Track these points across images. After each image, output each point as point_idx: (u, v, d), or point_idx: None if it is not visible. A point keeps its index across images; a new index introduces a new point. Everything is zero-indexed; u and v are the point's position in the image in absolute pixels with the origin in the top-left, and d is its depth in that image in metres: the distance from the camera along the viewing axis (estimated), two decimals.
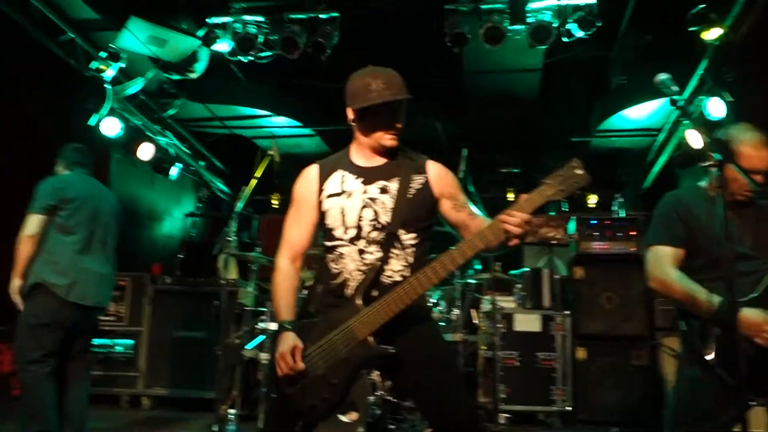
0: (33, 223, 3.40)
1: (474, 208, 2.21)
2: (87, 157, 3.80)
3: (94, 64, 5.43)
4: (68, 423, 3.41)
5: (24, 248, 3.37)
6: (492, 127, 7.46)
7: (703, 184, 2.46)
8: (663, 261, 2.35)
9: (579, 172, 1.86)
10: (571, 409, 5.06)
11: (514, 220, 1.84)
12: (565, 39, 5.04)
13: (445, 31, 5.01)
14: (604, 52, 6.26)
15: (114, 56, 5.39)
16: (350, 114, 2.18)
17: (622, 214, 6.03)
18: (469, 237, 1.96)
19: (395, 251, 2.08)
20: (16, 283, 3.36)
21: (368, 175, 2.17)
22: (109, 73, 5.48)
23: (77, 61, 5.60)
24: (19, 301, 3.36)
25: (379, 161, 2.20)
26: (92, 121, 5.69)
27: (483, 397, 5.23)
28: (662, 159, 6.98)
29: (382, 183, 2.14)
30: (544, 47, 5.22)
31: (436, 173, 2.21)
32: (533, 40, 5.02)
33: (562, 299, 5.59)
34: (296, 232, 2.22)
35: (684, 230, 2.35)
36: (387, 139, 2.14)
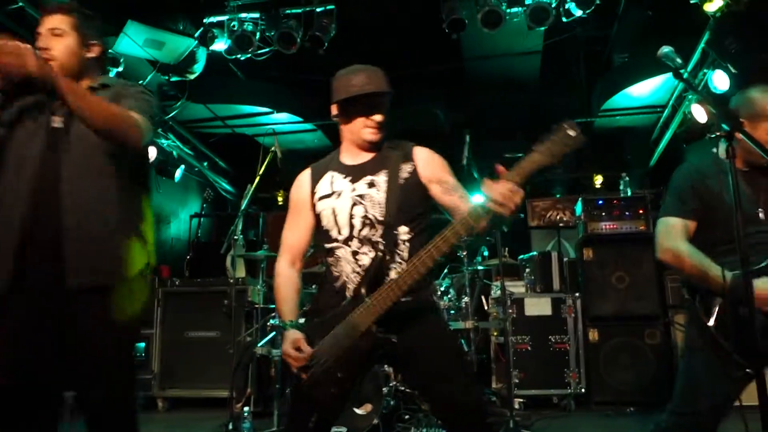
0: None
1: (464, 192, 2.15)
2: None
3: None
4: None
5: None
6: (494, 112, 7.41)
7: (719, 151, 2.39)
8: (673, 232, 2.31)
9: (571, 133, 1.77)
10: (585, 391, 5.05)
11: (498, 197, 1.74)
12: (564, 19, 5.00)
13: (442, 17, 4.97)
14: (604, 31, 6.19)
15: (113, 61, 5.39)
16: (333, 110, 2.19)
17: (629, 193, 5.99)
18: (456, 221, 1.90)
19: (390, 246, 2.06)
20: None
21: (355, 173, 2.17)
22: None
23: None
24: None
25: (366, 157, 2.19)
26: None
27: (497, 383, 5.23)
28: (667, 135, 6.91)
29: (369, 178, 2.14)
30: (543, 28, 5.17)
31: (423, 159, 2.19)
32: (532, 21, 4.98)
33: (572, 282, 5.57)
34: (294, 235, 2.24)
35: (697, 202, 2.31)
36: (368, 133, 2.13)
